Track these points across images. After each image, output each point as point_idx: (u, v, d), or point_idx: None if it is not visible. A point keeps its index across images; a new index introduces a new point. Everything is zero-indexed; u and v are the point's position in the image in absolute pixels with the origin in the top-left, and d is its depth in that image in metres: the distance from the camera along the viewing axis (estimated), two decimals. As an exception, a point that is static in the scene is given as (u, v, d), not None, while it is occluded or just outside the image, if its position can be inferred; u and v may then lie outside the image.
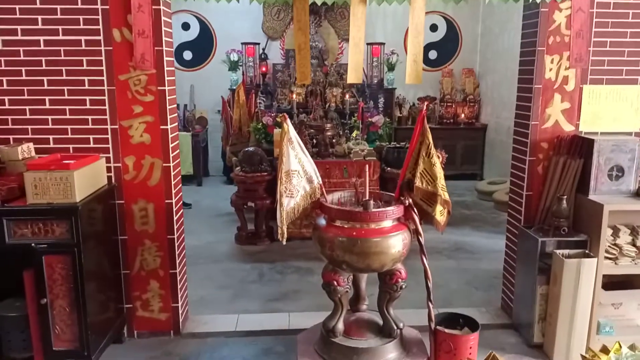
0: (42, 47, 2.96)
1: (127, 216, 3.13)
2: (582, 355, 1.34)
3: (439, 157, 2.77)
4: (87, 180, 2.76)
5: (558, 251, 3.02)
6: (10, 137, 3.03)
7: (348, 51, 3.64)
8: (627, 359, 1.25)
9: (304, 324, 3.06)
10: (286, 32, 8.07)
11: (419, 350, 2.72)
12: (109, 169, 3.08)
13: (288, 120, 2.65)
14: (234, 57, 7.86)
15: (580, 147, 3.15)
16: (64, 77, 3.00)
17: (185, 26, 8.15)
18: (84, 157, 2.84)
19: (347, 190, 2.96)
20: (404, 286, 2.66)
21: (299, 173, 2.66)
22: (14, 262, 2.63)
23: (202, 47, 8.22)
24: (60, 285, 2.62)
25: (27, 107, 3.02)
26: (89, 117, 3.04)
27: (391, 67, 7.84)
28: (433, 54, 8.40)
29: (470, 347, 2.62)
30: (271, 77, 7.89)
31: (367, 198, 2.64)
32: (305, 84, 5.57)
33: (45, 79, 3.00)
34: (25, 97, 3.01)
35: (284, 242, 2.65)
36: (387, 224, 2.55)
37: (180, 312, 3.28)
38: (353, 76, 3.66)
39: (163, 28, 3.02)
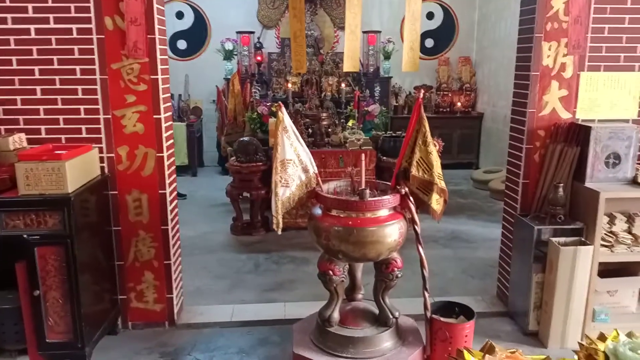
0: (33, 36, 2.91)
1: (121, 207, 3.10)
2: (579, 343, 1.33)
3: (435, 146, 2.75)
4: (79, 170, 2.72)
5: (554, 239, 3.01)
6: (1, 127, 2.99)
7: (344, 39, 3.62)
8: (625, 346, 1.24)
9: (299, 314, 3.05)
10: (281, 21, 7.99)
11: (415, 339, 2.72)
12: (102, 160, 3.04)
13: (283, 109, 2.62)
14: (229, 46, 7.79)
15: (577, 135, 3.13)
16: (56, 67, 2.95)
17: (179, 15, 8.06)
18: (76, 148, 2.80)
19: (343, 179, 2.94)
20: (399, 275, 2.65)
21: (294, 162, 2.64)
22: (6, 253, 2.60)
23: (196, 36, 8.14)
24: (53, 277, 2.59)
25: (18, 97, 2.97)
26: (81, 107, 3.00)
27: (387, 56, 7.79)
28: (429, 42, 8.35)
29: (466, 336, 2.61)
30: (266, 66, 7.83)
31: (363, 187, 2.62)
32: (300, 72, 5.54)
33: (36, 68, 2.95)
34: (17, 86, 2.96)
35: (280, 232, 2.64)
36: (383, 213, 2.54)
37: (175, 302, 3.27)
38: (349, 64, 3.64)
39: (156, 16, 2.97)
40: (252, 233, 5.03)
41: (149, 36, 2.94)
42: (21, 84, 2.96)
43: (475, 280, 4.01)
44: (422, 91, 2.79)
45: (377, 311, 2.75)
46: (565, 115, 3.22)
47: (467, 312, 2.76)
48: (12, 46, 2.91)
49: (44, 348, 2.67)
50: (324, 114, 5.48)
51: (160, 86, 3.05)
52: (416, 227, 2.61)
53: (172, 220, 3.22)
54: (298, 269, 4.21)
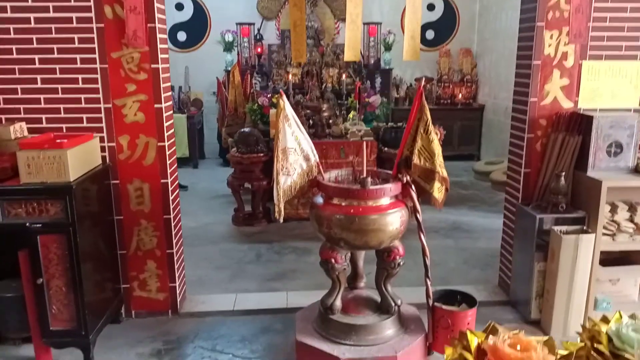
0: (32, 25, 2.90)
1: (123, 196, 3.10)
2: (582, 326, 1.33)
3: (437, 134, 2.74)
4: (80, 159, 2.72)
5: (556, 228, 3.01)
6: (2, 116, 2.98)
7: (344, 31, 3.60)
8: (627, 327, 1.24)
9: (302, 303, 3.06)
10: (281, 12, 7.96)
11: (417, 327, 2.73)
12: (103, 149, 3.04)
13: (284, 97, 2.61)
14: (229, 37, 7.76)
15: (579, 124, 3.13)
16: (56, 55, 2.95)
17: (179, 6, 8.02)
18: (77, 137, 2.80)
19: (344, 169, 2.93)
20: (401, 263, 2.66)
21: (295, 150, 2.64)
22: (9, 242, 2.60)
23: (196, 27, 8.11)
24: (56, 265, 2.60)
25: (18, 86, 2.97)
26: (82, 96, 2.99)
27: (388, 47, 7.76)
28: (430, 34, 8.31)
29: (468, 323, 2.62)
30: (266, 57, 7.80)
31: (365, 176, 2.62)
32: (301, 62, 5.52)
33: (36, 57, 2.94)
34: (17, 76, 2.95)
35: (282, 220, 2.63)
36: (385, 201, 2.54)
37: (177, 291, 3.28)
38: (350, 54, 3.62)
39: (155, 4, 2.95)
40: (254, 224, 5.03)
41: (148, 25, 2.93)
42: (21, 73, 2.95)
43: (476, 270, 4.01)
44: (424, 79, 2.78)
45: (379, 299, 2.76)
46: (566, 104, 3.21)
47: (469, 300, 2.77)
48: (12, 35, 2.90)
49: (47, 336, 2.67)
50: (325, 106, 5.47)
51: (161, 75, 3.04)
52: (418, 215, 2.61)
53: (173, 209, 3.22)
54: (300, 259, 4.22)
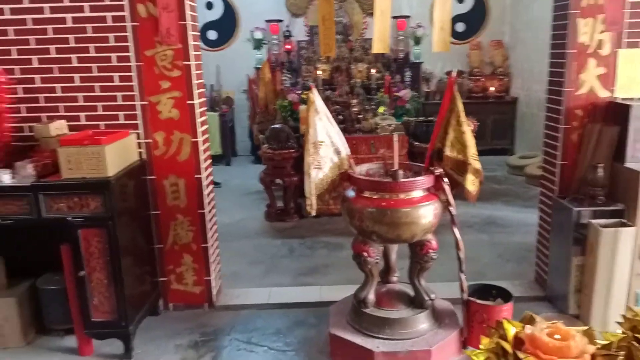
0: (69, 25, 2.99)
1: (159, 191, 3.17)
2: (623, 316, 1.30)
3: (469, 125, 2.71)
4: (118, 155, 2.79)
5: (594, 221, 2.93)
6: (43, 115, 3.08)
7: (373, 23, 3.58)
8: (672, 317, 1.21)
9: (334, 297, 3.08)
10: (309, 9, 7.97)
11: (451, 322, 2.71)
12: (139, 145, 3.11)
13: (315, 91, 2.63)
14: (258, 35, 7.82)
15: (616, 114, 3.04)
16: (92, 54, 3.03)
17: (209, 5, 8.12)
18: (115, 133, 2.87)
19: (375, 162, 2.93)
20: (435, 257, 2.64)
21: (326, 144, 2.65)
22: (51, 236, 2.69)
23: (226, 26, 8.19)
24: (97, 259, 2.68)
25: (57, 85, 3.06)
26: (118, 94, 3.07)
27: (417, 41, 7.68)
28: (460, 27, 8.18)
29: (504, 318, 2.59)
30: (295, 54, 7.83)
31: (396, 168, 2.61)
32: (330, 58, 5.52)
33: (74, 56, 3.02)
34: (56, 75, 3.05)
35: (313, 214, 2.65)
36: (417, 194, 2.53)
37: (213, 285, 3.33)
38: (379, 45, 3.60)
39: (187, 2, 3.01)
40: (286, 219, 5.07)
41: (180, 23, 2.98)
42: (60, 72, 3.04)
43: (511, 265, 3.95)
44: (456, 70, 2.74)
45: (412, 293, 2.75)
46: (603, 93, 3.12)
47: (504, 295, 2.73)
48: (51, 35, 2.99)
49: (89, 327, 2.76)
50: (354, 101, 5.47)
51: (194, 72, 3.09)
52: (451, 208, 2.59)
53: (208, 204, 3.28)
54: (332, 254, 4.23)
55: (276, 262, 4.10)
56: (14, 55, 3.01)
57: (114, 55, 3.02)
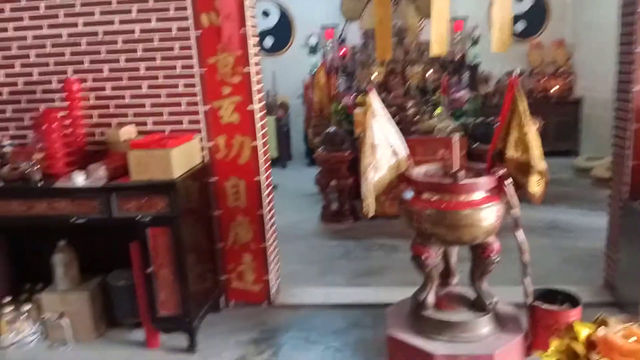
0: (137, 35, 3.14)
1: (220, 193, 3.27)
2: None
3: (534, 124, 2.63)
4: (183, 158, 2.91)
5: (670, 224, 2.77)
6: (113, 120, 3.25)
7: (428, 27, 3.55)
8: None
9: (391, 299, 3.05)
10: (364, 13, 7.97)
11: (515, 326, 2.63)
12: (202, 149, 3.22)
13: (373, 92, 2.63)
14: (313, 40, 7.91)
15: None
16: (158, 63, 3.17)
17: (266, 13, 8.31)
18: (180, 137, 2.99)
19: (434, 163, 2.89)
20: (497, 260, 2.57)
21: (384, 145, 2.64)
22: (121, 234, 2.84)
23: (281, 33, 8.35)
24: (163, 256, 2.80)
25: (126, 92, 3.22)
26: (183, 100, 3.20)
27: (475, 42, 7.51)
28: (520, 26, 7.95)
29: (571, 324, 2.49)
30: (350, 58, 7.85)
31: (457, 169, 2.57)
32: (384, 61, 5.50)
33: (141, 64, 3.18)
34: (125, 82, 3.21)
35: (370, 215, 2.65)
36: (478, 195, 2.47)
37: (272, 284, 3.40)
38: (437, 48, 3.57)
39: (247, 11, 3.09)
40: (341, 221, 5.09)
41: (241, 31, 3.07)
42: (129, 80, 3.20)
43: (577, 271, 3.78)
44: (518, 69, 2.66)
45: (473, 296, 2.69)
46: (675, 91, 2.95)
47: (571, 300, 2.62)
48: (120, 45, 3.15)
49: (156, 321, 2.89)
50: (410, 103, 5.42)
51: (253, 78, 3.18)
52: (514, 210, 2.52)
53: (267, 205, 3.35)
54: (388, 256, 4.21)
55: (332, 263, 4.13)
56: (87, 65, 3.20)
57: (178, 63, 3.15)
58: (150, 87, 3.20)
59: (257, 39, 3.35)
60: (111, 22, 3.14)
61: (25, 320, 3.07)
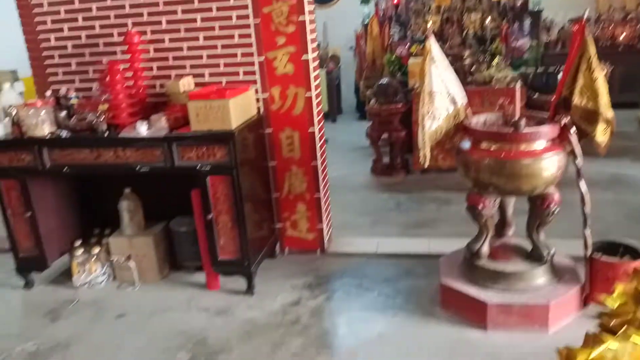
0: (192, -13, 3.16)
1: (275, 144, 3.32)
2: None
3: (602, 71, 2.50)
4: (240, 109, 2.95)
5: None
6: (172, 72, 3.33)
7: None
8: None
9: (444, 250, 3.07)
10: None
11: (572, 278, 2.60)
12: (257, 100, 3.26)
13: (432, 38, 2.57)
14: (366, -10, 7.69)
15: None
16: (214, 14, 3.18)
17: (316, -38, 8.10)
18: (237, 88, 3.03)
19: (493, 112, 2.82)
20: (556, 211, 2.53)
21: (442, 94, 2.60)
22: (183, 182, 2.96)
23: (333, -18, 8.15)
24: (222, 203, 2.90)
25: (183, 44, 3.27)
26: (238, 51, 3.22)
27: (537, -13, 7.09)
28: (587, -32, 7.40)
29: (633, 277, 2.43)
30: (404, 7, 7.60)
31: (518, 118, 2.50)
32: (440, 7, 5.30)
33: (198, 16, 3.20)
34: (182, 34, 3.25)
35: (426, 165, 2.64)
36: (539, 145, 2.42)
37: (325, 233, 3.48)
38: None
39: (300, -43, 3.04)
40: (393, 174, 5.08)
41: (295, -22, 3.03)
42: (186, 32, 3.24)
43: (639, 226, 3.65)
44: (587, 11, 2.51)
45: (529, 248, 2.67)
46: None
47: (632, 253, 2.56)
48: (177, -5, 3.19)
49: (216, 265, 3.04)
50: (467, 52, 5.23)
51: (308, 27, 3.14)
52: (577, 160, 2.44)
53: (320, 156, 3.39)
54: (440, 208, 4.19)
55: (383, 215, 4.16)
56: (145, 17, 3.26)
57: (234, 13, 3.16)
58: (206, 38, 3.23)
59: (311, -13, 3.30)
60: (168, -27, 3.17)
61: (95, 262, 3.30)
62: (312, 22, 3.24)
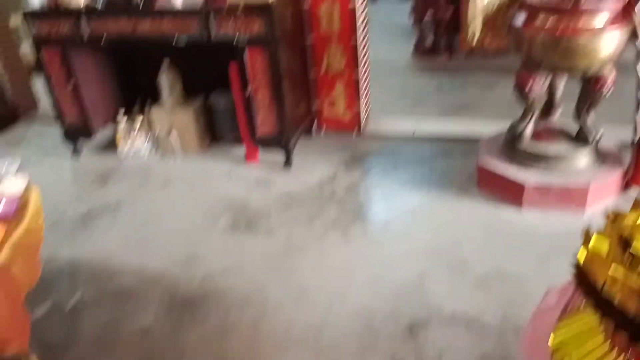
0: None
1: (314, 20, 3.17)
2: None
3: None
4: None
5: None
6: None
7: None
8: None
9: (485, 132, 3.01)
10: None
11: (615, 161, 2.55)
12: (296, -28, 3.06)
13: None
14: None
15: None
16: None
17: None
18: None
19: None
20: (609, 93, 2.41)
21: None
22: (221, 55, 2.91)
23: None
24: (260, 77, 2.86)
25: None
26: None
27: None
28: None
29: (680, 163, 2.36)
30: None
31: (579, -9, 2.29)
32: None
33: None
34: None
35: (474, 44, 2.51)
36: (599, 22, 2.23)
37: (362, 114, 3.44)
38: None
39: None
40: (436, 56, 4.87)
41: None
42: None
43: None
44: None
45: (574, 132, 2.60)
46: None
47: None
48: None
49: (255, 139, 3.08)
50: None
51: None
52: (638, 42, 2.27)
53: (361, 33, 3.23)
54: (483, 92, 4.06)
55: (424, 97, 4.06)
56: None
57: None
58: None
59: None
60: None
61: (138, 133, 3.40)
62: None
